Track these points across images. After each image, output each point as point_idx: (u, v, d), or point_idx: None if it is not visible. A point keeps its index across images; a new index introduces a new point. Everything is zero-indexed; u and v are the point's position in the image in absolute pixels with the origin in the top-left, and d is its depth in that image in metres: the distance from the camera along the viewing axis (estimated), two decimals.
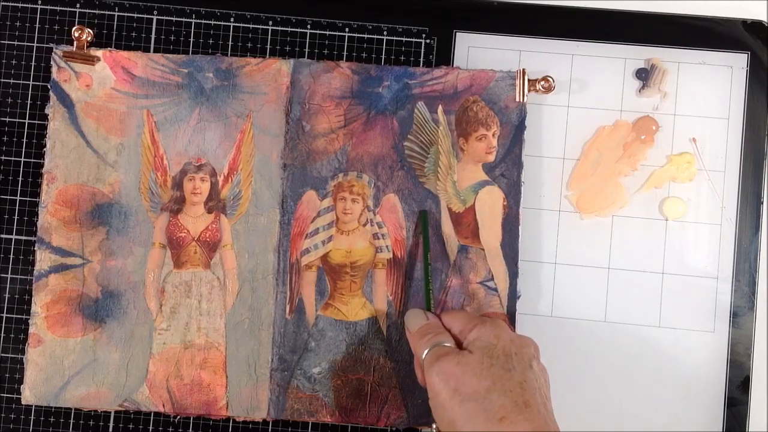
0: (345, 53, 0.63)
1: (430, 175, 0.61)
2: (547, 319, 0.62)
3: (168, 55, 0.62)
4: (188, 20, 0.63)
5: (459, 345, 0.54)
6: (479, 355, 0.51)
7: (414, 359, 0.57)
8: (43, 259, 0.60)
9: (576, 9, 0.64)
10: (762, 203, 0.62)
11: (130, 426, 0.62)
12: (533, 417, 0.48)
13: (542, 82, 0.61)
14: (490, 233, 0.61)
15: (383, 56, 0.63)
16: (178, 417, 0.62)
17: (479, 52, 0.63)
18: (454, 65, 0.63)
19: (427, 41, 0.63)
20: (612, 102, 0.63)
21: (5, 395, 0.62)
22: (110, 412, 0.62)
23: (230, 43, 0.63)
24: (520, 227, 0.61)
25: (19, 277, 0.62)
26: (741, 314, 0.62)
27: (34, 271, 0.60)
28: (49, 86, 0.61)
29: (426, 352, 0.53)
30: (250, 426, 0.62)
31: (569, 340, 0.62)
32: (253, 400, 0.60)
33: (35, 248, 0.61)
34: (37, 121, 0.63)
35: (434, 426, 0.54)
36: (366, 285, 0.61)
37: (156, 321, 0.61)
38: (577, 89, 0.63)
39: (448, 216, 0.61)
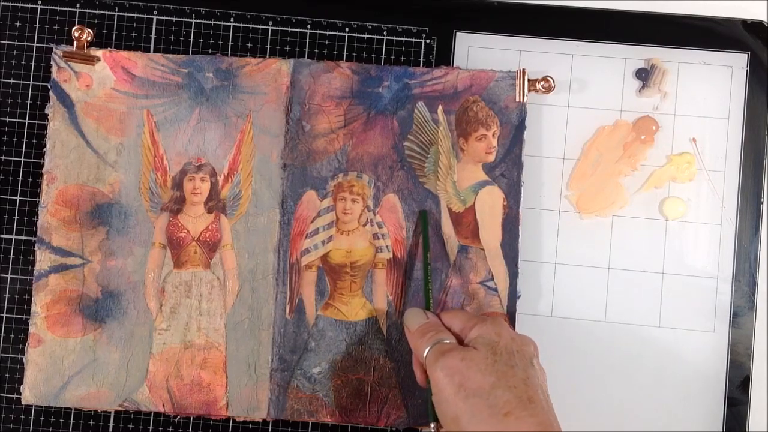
0: (345, 53, 0.63)
1: (430, 175, 0.61)
2: (547, 319, 0.62)
3: (168, 55, 0.62)
4: (188, 20, 0.63)
5: (460, 343, 0.54)
6: (483, 351, 0.51)
7: (413, 358, 0.57)
8: (43, 259, 0.60)
9: (576, 9, 0.64)
10: (762, 203, 0.62)
11: (130, 426, 0.62)
12: (537, 413, 0.49)
13: (542, 82, 0.61)
14: (490, 233, 0.61)
15: (383, 56, 0.63)
16: (178, 417, 0.62)
17: (479, 52, 0.63)
18: (454, 65, 0.63)
19: (427, 41, 0.63)
20: (612, 102, 0.63)
21: (5, 395, 0.62)
22: (110, 412, 0.62)
23: (230, 43, 0.63)
24: (520, 227, 0.61)
25: (19, 277, 0.62)
26: (741, 314, 0.62)
27: (34, 271, 0.60)
28: (49, 86, 0.61)
29: (427, 349, 0.53)
30: (250, 426, 0.62)
31: (569, 340, 0.62)
32: (253, 400, 0.60)
33: (35, 248, 0.61)
34: (37, 121, 0.63)
35: (432, 425, 0.54)
36: (366, 285, 0.61)
37: (156, 321, 0.61)
38: (577, 89, 0.63)
39: (448, 216, 0.61)
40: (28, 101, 0.63)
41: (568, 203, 0.63)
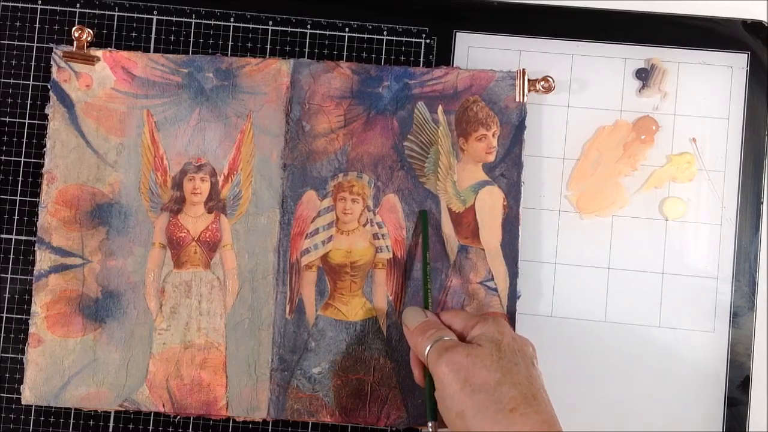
0: (345, 53, 0.63)
1: (430, 175, 0.61)
2: (547, 319, 0.62)
3: (168, 55, 0.62)
4: (188, 20, 0.63)
5: (461, 341, 0.54)
6: (488, 348, 0.52)
7: (411, 357, 0.57)
8: (43, 259, 0.60)
9: (576, 9, 0.64)
10: (762, 203, 0.62)
11: (130, 426, 0.62)
12: (542, 410, 0.49)
13: (542, 82, 0.61)
14: (490, 233, 0.61)
15: (383, 56, 0.63)
16: (178, 417, 0.62)
17: (479, 52, 0.63)
18: (454, 65, 0.63)
19: (427, 41, 0.63)
20: (612, 102, 0.63)
21: (5, 395, 0.62)
22: (110, 412, 0.62)
23: (230, 43, 0.63)
24: (520, 227, 0.61)
25: (19, 277, 0.62)
26: (741, 314, 0.62)
27: (34, 271, 0.60)
28: (49, 86, 0.61)
29: (429, 347, 0.53)
30: (250, 426, 0.62)
31: (569, 340, 0.62)
32: (253, 400, 0.60)
33: (35, 248, 0.61)
34: (37, 121, 0.63)
35: (431, 424, 0.54)
36: (366, 285, 0.61)
37: (156, 321, 0.61)
38: (577, 89, 0.63)
39: (448, 216, 0.61)
40: (28, 101, 0.63)
41: (568, 203, 0.63)
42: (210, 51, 0.63)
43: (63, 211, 0.61)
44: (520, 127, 0.61)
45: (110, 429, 0.62)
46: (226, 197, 0.61)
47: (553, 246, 0.62)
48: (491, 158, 0.61)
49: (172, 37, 0.63)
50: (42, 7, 0.63)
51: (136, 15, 0.63)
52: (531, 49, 0.63)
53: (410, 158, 0.61)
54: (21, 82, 0.63)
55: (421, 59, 0.63)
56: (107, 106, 0.61)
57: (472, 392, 0.50)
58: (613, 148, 0.62)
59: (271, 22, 0.63)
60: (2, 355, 0.62)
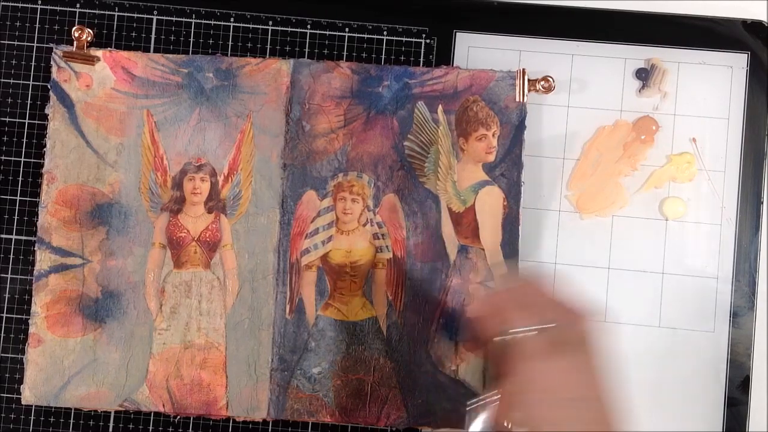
0: (345, 53, 0.63)
1: (430, 175, 0.61)
2: None
3: (168, 55, 0.62)
4: (188, 20, 0.63)
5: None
6: (580, 355, 0.49)
7: (476, 312, 0.53)
8: (43, 259, 0.60)
9: (576, 9, 0.64)
10: (762, 203, 0.62)
11: (130, 426, 0.62)
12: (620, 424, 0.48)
13: (542, 82, 0.61)
14: (490, 233, 0.61)
15: (383, 56, 0.63)
16: (178, 417, 0.62)
17: (479, 52, 0.63)
18: (454, 65, 0.63)
19: (427, 41, 0.63)
20: (612, 102, 0.63)
21: (5, 395, 0.62)
22: (110, 412, 0.62)
23: (230, 43, 0.63)
24: (520, 227, 0.61)
25: (19, 277, 0.62)
26: (741, 314, 0.62)
27: (34, 271, 0.60)
28: (49, 86, 0.61)
29: (509, 336, 0.49)
30: (250, 426, 0.62)
31: None
32: (253, 400, 0.60)
33: (35, 248, 0.61)
34: (37, 121, 0.63)
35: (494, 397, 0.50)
36: (366, 285, 0.61)
37: (156, 321, 0.61)
38: (577, 89, 0.63)
39: (448, 216, 0.61)
40: (28, 101, 0.63)
41: (568, 203, 0.63)
42: (210, 51, 0.63)
43: (63, 211, 0.61)
44: (520, 127, 0.61)
45: (110, 429, 0.62)
46: (226, 197, 0.61)
47: (553, 246, 0.62)
48: (491, 158, 0.61)
49: (172, 37, 0.63)
50: (42, 7, 0.63)
51: (136, 15, 0.63)
52: (531, 49, 0.63)
53: (410, 158, 0.61)
54: (21, 82, 0.63)
55: (421, 59, 0.63)
56: (107, 106, 0.61)
57: (561, 404, 0.47)
58: (613, 148, 0.62)
59: (271, 22, 0.63)
60: (2, 355, 0.62)
